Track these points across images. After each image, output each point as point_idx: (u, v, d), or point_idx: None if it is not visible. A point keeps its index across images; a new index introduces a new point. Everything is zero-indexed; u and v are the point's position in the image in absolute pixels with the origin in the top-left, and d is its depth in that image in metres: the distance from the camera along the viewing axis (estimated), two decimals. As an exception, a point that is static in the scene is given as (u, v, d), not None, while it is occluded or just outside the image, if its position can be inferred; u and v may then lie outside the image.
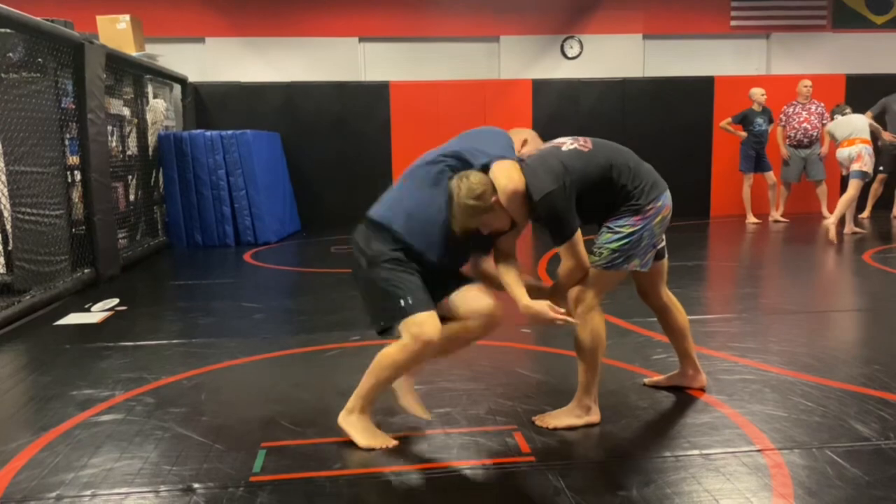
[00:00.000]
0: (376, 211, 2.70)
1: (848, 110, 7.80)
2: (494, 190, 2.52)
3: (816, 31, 10.19)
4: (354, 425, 2.63)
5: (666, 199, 2.69)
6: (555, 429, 2.69)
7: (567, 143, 2.71)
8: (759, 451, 2.48)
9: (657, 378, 3.19)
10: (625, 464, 2.41)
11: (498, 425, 2.74)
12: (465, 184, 2.51)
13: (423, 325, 2.49)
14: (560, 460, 2.44)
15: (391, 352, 2.58)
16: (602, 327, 2.72)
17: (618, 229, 2.63)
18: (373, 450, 2.55)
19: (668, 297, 3.02)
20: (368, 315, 2.69)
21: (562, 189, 2.54)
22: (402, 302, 2.51)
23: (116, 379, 3.38)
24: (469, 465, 2.43)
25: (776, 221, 8.87)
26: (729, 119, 8.80)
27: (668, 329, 3.08)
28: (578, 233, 2.60)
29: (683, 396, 3.02)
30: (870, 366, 3.35)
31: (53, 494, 2.26)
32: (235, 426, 2.79)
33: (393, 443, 2.60)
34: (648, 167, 2.74)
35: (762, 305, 4.81)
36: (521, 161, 2.65)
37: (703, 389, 3.06)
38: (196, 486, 2.30)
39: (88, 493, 2.27)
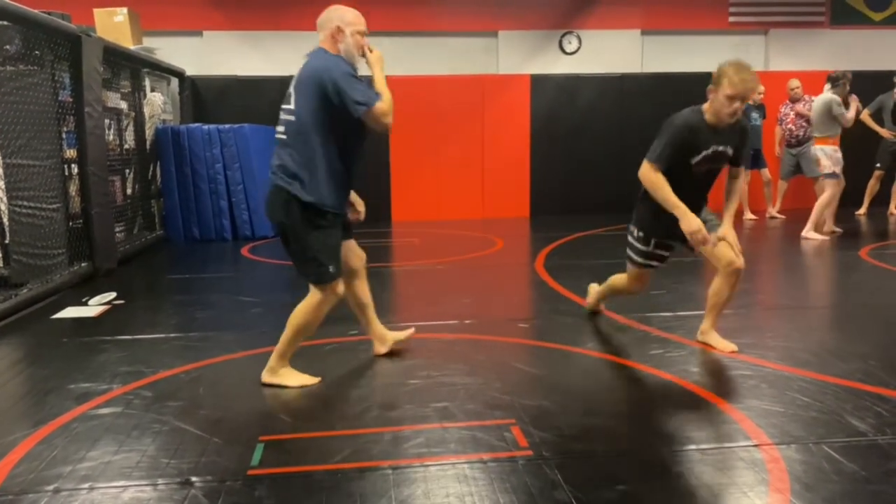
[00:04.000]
0: None
1: (842, 81, 7.16)
2: None
3: (815, 27, 10.19)
4: (282, 374, 3.12)
5: None
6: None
7: None
8: (755, 446, 2.49)
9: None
10: (622, 458, 2.42)
11: (495, 419, 2.75)
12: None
13: (340, 284, 3.07)
14: (557, 454, 2.45)
15: (310, 307, 3.03)
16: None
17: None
18: (305, 386, 3.09)
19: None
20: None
21: None
22: (332, 268, 3.00)
23: (114, 372, 3.38)
24: (467, 459, 2.43)
25: (772, 217, 8.89)
26: None
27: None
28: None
29: (680, 391, 3.03)
30: (866, 361, 3.36)
31: (51, 487, 2.26)
32: (233, 420, 2.79)
33: (317, 379, 3.14)
34: None
35: (759, 301, 4.82)
36: None
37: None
38: (194, 479, 2.30)
39: (86, 486, 2.27)
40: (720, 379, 3.16)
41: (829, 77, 7.28)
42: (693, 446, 2.49)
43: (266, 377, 3.12)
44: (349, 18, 3.06)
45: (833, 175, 7.07)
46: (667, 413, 2.79)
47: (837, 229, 7.58)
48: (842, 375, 3.18)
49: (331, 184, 2.94)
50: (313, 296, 3.03)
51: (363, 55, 3.05)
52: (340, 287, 3.07)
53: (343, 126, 2.92)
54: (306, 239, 2.94)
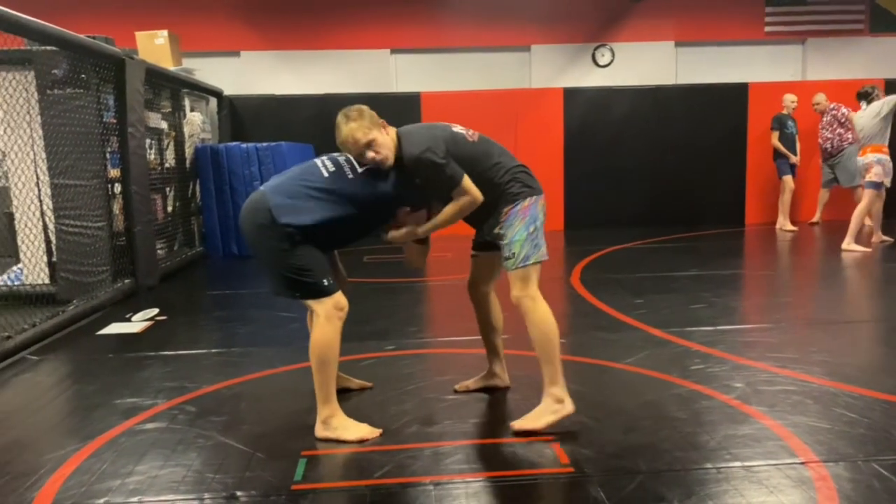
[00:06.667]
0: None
1: (876, 92, 7.32)
2: (378, 117, 2.80)
3: (853, 35, 10.03)
4: (336, 426, 2.77)
5: (540, 196, 2.95)
6: (536, 430, 2.75)
7: (457, 128, 2.94)
8: (802, 463, 2.45)
9: (467, 382, 3.27)
10: (665, 475, 2.39)
11: (536, 436, 2.74)
12: (351, 107, 2.77)
13: (341, 298, 2.81)
14: (600, 472, 2.43)
15: (322, 333, 2.74)
16: (550, 315, 2.84)
17: (512, 228, 2.83)
18: (365, 440, 2.72)
19: (493, 292, 3.21)
20: (280, 286, 2.83)
21: (433, 153, 2.71)
22: (326, 281, 2.76)
23: (158, 388, 3.45)
24: (508, 475, 2.43)
25: (784, 230, 8.78)
26: (775, 135, 8.71)
27: (483, 324, 3.21)
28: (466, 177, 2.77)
29: (723, 407, 2.98)
30: (915, 377, 3.28)
31: (102, 501, 2.31)
32: (276, 435, 2.83)
33: (378, 430, 2.78)
34: (524, 170, 2.93)
35: (801, 315, 4.74)
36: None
37: (507, 388, 3.25)
38: (239, 493, 2.34)
39: (135, 499, 2.32)
40: (764, 395, 3.11)
41: (859, 94, 7.32)
42: (738, 463, 2.46)
43: (320, 431, 2.77)
44: None
45: (876, 185, 6.96)
46: (709, 429, 2.75)
47: (887, 238, 7.43)
48: (889, 391, 3.11)
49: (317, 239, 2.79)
50: (317, 318, 2.77)
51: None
52: (343, 300, 2.82)
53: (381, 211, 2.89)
54: (290, 257, 2.74)
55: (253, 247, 2.89)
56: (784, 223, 8.80)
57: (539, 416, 2.78)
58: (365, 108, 2.79)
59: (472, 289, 3.20)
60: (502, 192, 2.84)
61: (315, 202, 2.76)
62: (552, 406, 2.78)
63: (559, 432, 2.74)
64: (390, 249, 7.93)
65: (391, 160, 2.79)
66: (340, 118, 2.77)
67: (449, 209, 2.82)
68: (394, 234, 2.95)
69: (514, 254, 2.82)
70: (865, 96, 7.28)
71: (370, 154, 2.75)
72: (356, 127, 2.73)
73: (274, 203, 2.74)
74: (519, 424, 2.78)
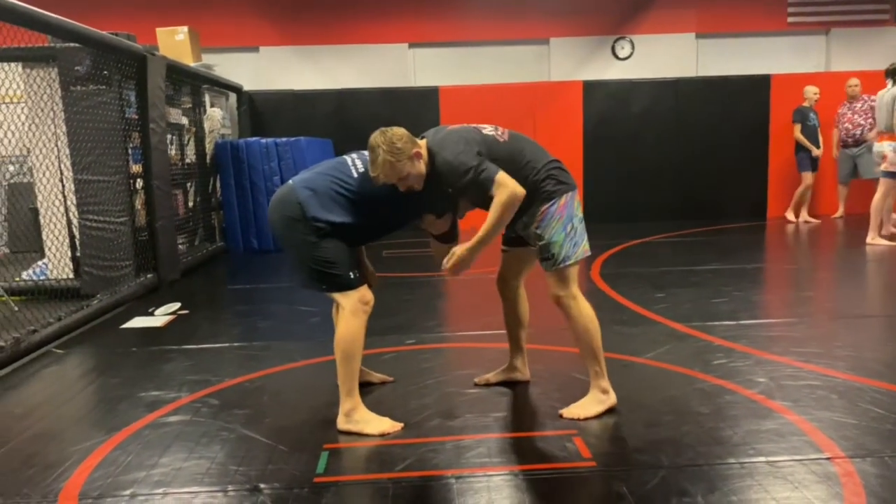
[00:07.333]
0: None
1: (889, 81, 6.92)
2: (414, 143, 2.71)
3: (878, 25, 9.88)
4: (358, 419, 2.79)
5: (575, 191, 2.91)
6: (585, 419, 2.82)
7: (487, 129, 2.88)
8: (828, 458, 2.42)
9: (487, 376, 3.29)
10: (688, 470, 2.38)
11: (557, 430, 2.74)
12: (387, 136, 2.66)
13: (367, 293, 2.84)
14: (622, 466, 2.42)
15: (347, 327, 2.76)
16: (591, 312, 2.89)
17: (549, 229, 2.80)
18: (387, 434, 2.73)
19: (522, 287, 3.22)
20: (307, 279, 2.85)
21: (466, 154, 2.68)
22: (352, 275, 2.79)
23: (182, 381, 3.48)
24: (530, 469, 2.43)
25: (807, 222, 8.73)
26: (798, 128, 8.61)
27: (510, 318, 3.23)
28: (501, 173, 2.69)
29: (746, 402, 2.96)
30: (943, 372, 3.23)
31: (128, 492, 2.34)
32: (298, 428, 2.85)
33: (400, 425, 2.79)
34: (558, 165, 2.89)
35: (824, 309, 4.68)
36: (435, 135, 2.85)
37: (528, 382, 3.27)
38: (262, 486, 2.36)
39: (160, 491, 2.35)
40: (788, 389, 3.08)
41: (888, 71, 7.03)
42: (762, 459, 2.44)
43: (342, 424, 2.79)
44: None
45: (892, 175, 6.82)
46: (733, 424, 2.73)
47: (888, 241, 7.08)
48: (917, 386, 3.07)
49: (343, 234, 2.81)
50: (343, 312, 2.79)
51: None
52: (369, 294, 2.85)
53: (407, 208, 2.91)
54: (317, 249, 2.76)
55: (281, 239, 2.91)
56: (788, 213, 8.85)
57: (587, 406, 2.87)
58: (401, 136, 2.67)
59: (501, 283, 3.20)
60: (537, 190, 2.80)
61: (343, 200, 2.79)
62: (599, 396, 2.88)
63: (580, 426, 2.74)
64: (409, 244, 7.97)
65: (421, 185, 2.78)
66: (377, 145, 2.66)
67: (493, 213, 2.68)
68: (446, 263, 2.80)
69: (553, 255, 2.81)
70: (893, 74, 6.93)
71: (400, 187, 2.76)
72: (391, 163, 2.66)
73: (303, 197, 2.77)
74: (568, 413, 2.85)
